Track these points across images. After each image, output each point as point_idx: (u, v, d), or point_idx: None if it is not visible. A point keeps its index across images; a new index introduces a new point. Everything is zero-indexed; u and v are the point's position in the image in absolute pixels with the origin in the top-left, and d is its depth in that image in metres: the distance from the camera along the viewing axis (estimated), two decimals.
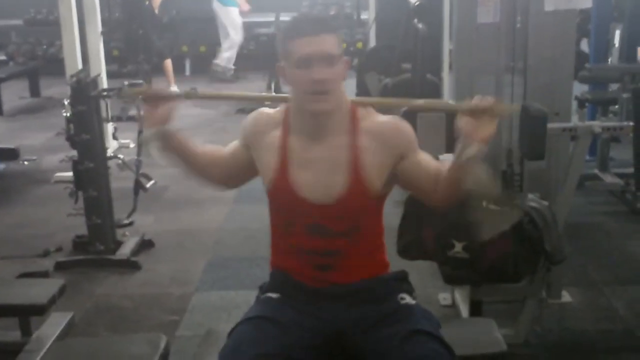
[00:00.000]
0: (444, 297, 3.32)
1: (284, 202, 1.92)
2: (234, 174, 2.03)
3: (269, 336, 1.81)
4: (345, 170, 1.86)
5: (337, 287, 1.90)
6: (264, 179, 1.95)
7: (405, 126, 1.92)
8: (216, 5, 9.20)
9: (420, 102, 2.12)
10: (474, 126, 1.76)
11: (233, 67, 9.31)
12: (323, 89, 1.80)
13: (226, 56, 9.29)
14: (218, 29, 9.42)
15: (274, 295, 1.95)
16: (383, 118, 1.92)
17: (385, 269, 1.99)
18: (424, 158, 1.91)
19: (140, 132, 4.10)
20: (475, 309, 2.90)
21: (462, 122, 1.77)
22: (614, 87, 5.35)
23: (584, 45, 6.69)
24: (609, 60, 5.86)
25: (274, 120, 1.94)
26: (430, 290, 3.31)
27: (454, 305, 3.25)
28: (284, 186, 1.89)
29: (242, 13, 9.36)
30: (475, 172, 1.79)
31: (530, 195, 2.85)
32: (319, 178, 1.87)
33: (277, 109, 1.98)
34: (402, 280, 1.99)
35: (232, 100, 2.39)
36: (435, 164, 1.91)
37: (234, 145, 2.02)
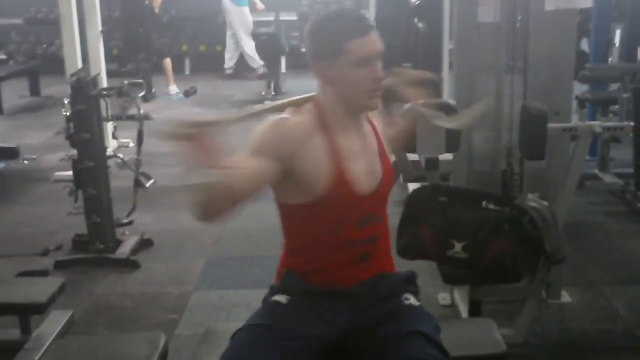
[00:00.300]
0: (444, 297, 3.31)
1: (343, 202, 1.84)
2: (250, 194, 1.77)
3: (271, 345, 1.78)
4: (378, 154, 1.94)
5: (355, 288, 1.89)
6: (309, 188, 1.81)
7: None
8: (228, 5, 9.16)
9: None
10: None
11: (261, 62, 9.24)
12: (380, 86, 1.85)
13: (250, 55, 9.25)
14: (226, 28, 9.39)
15: (282, 299, 1.89)
16: None
17: (393, 267, 2.02)
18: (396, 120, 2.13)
19: (140, 132, 4.11)
20: (475, 309, 2.90)
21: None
22: (614, 87, 5.35)
23: (585, 45, 6.69)
24: (610, 60, 5.86)
25: (308, 127, 1.83)
26: (429, 291, 3.30)
27: (453, 306, 3.25)
28: (342, 186, 1.83)
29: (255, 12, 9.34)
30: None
31: (530, 196, 2.85)
32: (366, 168, 1.89)
33: (290, 113, 1.85)
34: (411, 281, 2.00)
35: (273, 112, 2.01)
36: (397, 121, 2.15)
37: (257, 164, 1.74)
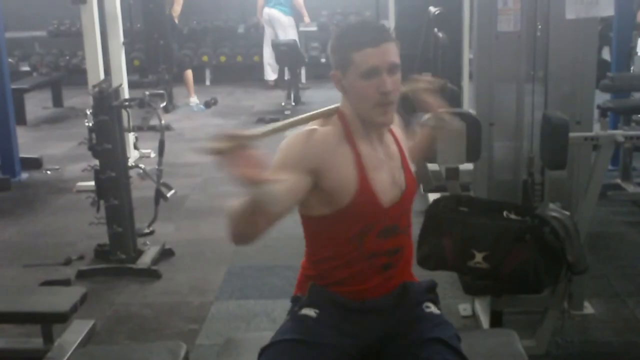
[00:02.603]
0: (464, 308, 3.29)
1: (366, 211, 1.84)
2: (293, 207, 1.78)
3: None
4: (401, 165, 1.94)
5: (381, 299, 1.89)
6: (336, 198, 1.81)
7: None
8: (275, 15, 9.05)
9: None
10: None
11: None
12: (389, 100, 1.80)
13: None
14: (264, 37, 9.32)
15: (311, 312, 1.87)
16: None
17: (412, 275, 2.02)
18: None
19: (162, 142, 4.13)
20: (496, 320, 2.88)
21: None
22: (636, 95, 5.30)
23: (606, 54, 6.64)
24: (631, 68, 5.81)
25: (335, 136, 1.83)
26: (450, 301, 3.29)
27: (474, 316, 3.23)
28: (368, 196, 1.83)
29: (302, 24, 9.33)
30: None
31: (551, 205, 2.82)
32: (390, 178, 1.89)
33: (318, 124, 1.85)
34: (430, 290, 2.00)
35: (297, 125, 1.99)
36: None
37: (291, 179, 1.72)
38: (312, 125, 1.84)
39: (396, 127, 1.99)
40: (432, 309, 1.93)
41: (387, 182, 1.87)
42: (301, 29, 9.36)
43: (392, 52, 1.80)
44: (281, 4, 9.04)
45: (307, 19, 9.48)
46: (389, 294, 1.90)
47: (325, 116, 1.88)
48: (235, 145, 1.56)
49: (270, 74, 9.36)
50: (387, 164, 1.90)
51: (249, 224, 1.65)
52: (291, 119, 1.86)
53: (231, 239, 1.69)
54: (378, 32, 1.81)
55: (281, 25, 9.08)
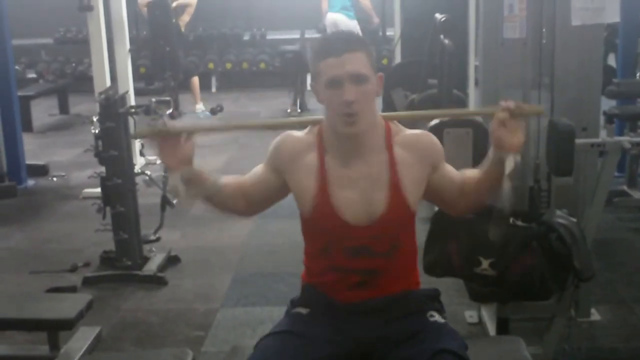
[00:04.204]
0: (471, 315, 3.29)
1: (325, 226, 1.87)
2: (260, 200, 1.96)
3: (295, 350, 1.81)
4: (385, 187, 1.85)
5: (370, 302, 1.89)
6: (300, 204, 1.90)
7: (435, 138, 1.94)
8: (340, 18, 8.85)
9: (448, 112, 2.12)
10: (506, 134, 1.78)
11: None
12: (353, 110, 1.78)
13: None
14: None
15: (303, 310, 1.94)
16: (414, 131, 1.93)
17: (417, 285, 1.99)
18: (450, 169, 1.94)
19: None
20: (503, 327, 2.87)
21: (495, 132, 1.79)
22: None
23: (612, 60, 6.63)
24: (637, 75, 5.79)
25: (306, 143, 1.89)
26: (456, 308, 3.28)
27: (480, 323, 3.22)
28: (325, 210, 1.85)
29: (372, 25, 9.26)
30: (503, 184, 1.80)
31: (558, 212, 2.82)
32: (360, 198, 1.85)
33: (306, 130, 1.93)
34: (433, 298, 1.98)
35: (254, 129, 2.12)
36: (459, 174, 1.94)
37: (260, 171, 1.94)
38: (295, 131, 1.95)
39: (403, 149, 1.88)
40: (437, 317, 1.92)
41: (354, 200, 1.84)
42: (306, 35, 9.37)
43: (355, 62, 1.77)
44: (347, 9, 8.93)
45: (376, 20, 9.33)
46: (380, 298, 1.89)
47: (303, 125, 1.95)
48: (159, 133, 1.83)
49: None
50: (360, 183, 1.85)
51: (215, 207, 1.94)
52: (257, 121, 2.04)
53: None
54: (343, 43, 1.81)
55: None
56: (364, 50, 1.81)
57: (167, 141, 1.83)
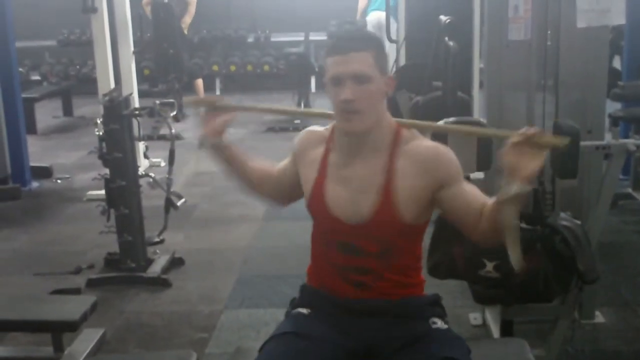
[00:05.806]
0: (475, 317, 3.28)
1: (319, 216, 1.95)
2: (284, 190, 2.08)
3: (299, 351, 1.80)
4: (375, 191, 1.83)
5: (370, 302, 1.88)
6: (304, 194, 1.98)
7: (449, 155, 1.86)
8: (381, 17, 8.32)
9: (465, 128, 2.12)
10: (518, 161, 1.65)
11: None
12: (352, 108, 1.78)
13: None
14: None
15: (304, 310, 1.95)
16: (427, 143, 1.87)
17: (420, 290, 1.98)
18: (468, 191, 1.84)
19: (172, 151, 4.14)
20: (507, 329, 2.86)
21: (506, 156, 1.66)
22: None
23: (617, 63, 6.62)
24: None
25: (321, 138, 1.97)
26: (460, 310, 3.27)
27: (484, 325, 3.21)
28: (319, 201, 1.91)
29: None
30: (509, 214, 1.67)
31: (562, 214, 2.81)
32: (350, 196, 1.86)
33: (327, 127, 1.99)
34: (435, 304, 1.97)
35: (284, 114, 2.42)
36: (481, 199, 1.82)
37: (285, 162, 2.07)
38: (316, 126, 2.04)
39: (407, 158, 1.84)
40: (439, 324, 1.91)
41: (344, 198, 1.87)
42: (310, 37, 9.37)
43: (359, 62, 1.78)
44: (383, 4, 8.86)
45: None
46: (380, 300, 1.89)
47: (313, 116, 2.08)
48: (215, 107, 2.04)
49: None
50: (353, 182, 1.86)
51: (245, 185, 2.12)
52: (275, 106, 2.21)
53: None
54: (352, 41, 1.83)
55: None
56: (373, 51, 1.81)
57: (213, 113, 2.04)
